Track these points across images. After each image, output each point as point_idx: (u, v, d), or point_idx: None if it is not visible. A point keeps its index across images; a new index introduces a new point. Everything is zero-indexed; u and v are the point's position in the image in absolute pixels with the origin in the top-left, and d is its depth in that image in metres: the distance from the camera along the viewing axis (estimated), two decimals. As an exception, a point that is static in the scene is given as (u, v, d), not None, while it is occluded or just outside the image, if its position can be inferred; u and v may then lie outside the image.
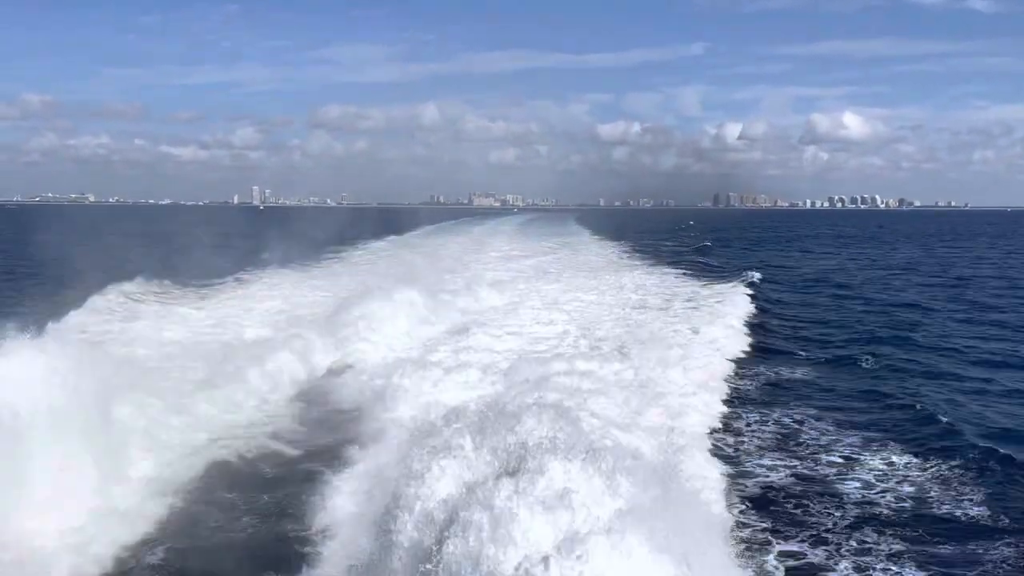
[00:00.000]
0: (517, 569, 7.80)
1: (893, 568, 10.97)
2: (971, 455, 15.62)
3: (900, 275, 55.99)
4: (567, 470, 9.09)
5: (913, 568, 10.97)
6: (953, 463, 15.16)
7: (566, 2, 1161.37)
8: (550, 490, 8.77)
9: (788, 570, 10.69)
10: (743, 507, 12.76)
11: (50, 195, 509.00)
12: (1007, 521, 12.62)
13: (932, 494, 13.71)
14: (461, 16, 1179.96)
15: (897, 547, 11.59)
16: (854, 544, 11.67)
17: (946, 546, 11.72)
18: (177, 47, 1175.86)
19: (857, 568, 10.98)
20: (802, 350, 26.70)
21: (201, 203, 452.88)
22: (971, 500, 13.48)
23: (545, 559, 7.77)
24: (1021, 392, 21.73)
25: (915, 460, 15.37)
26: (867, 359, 25.20)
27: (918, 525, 12.38)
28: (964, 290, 46.12)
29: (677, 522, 8.39)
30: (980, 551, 11.58)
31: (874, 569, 10.94)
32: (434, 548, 8.46)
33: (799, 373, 23.16)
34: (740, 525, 11.91)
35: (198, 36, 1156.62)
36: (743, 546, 10.89)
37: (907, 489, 13.91)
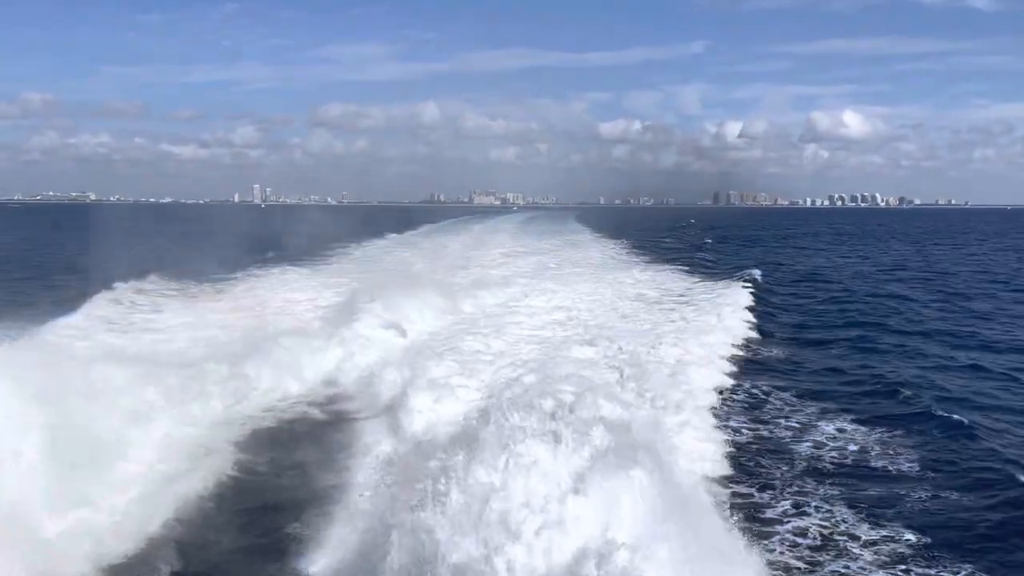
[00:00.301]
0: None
1: (825, 507, 13.07)
2: (917, 422, 17.82)
3: (888, 270, 58.00)
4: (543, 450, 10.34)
5: (842, 507, 13.06)
6: (898, 427, 17.33)
7: (566, 0, 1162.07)
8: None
9: (733, 505, 12.70)
10: (706, 461, 14.73)
11: (51, 194, 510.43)
12: (932, 473, 14.73)
13: (872, 452, 15.83)
14: (461, 14, 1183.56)
15: (832, 492, 13.70)
16: (795, 489, 13.81)
17: (873, 491, 13.84)
18: (177, 45, 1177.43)
19: (795, 505, 13.10)
20: (787, 335, 28.88)
21: (202, 201, 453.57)
22: (905, 457, 15.60)
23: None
24: (977, 367, 24.05)
25: (864, 427, 17.44)
26: (841, 342, 27.35)
27: (853, 476, 14.54)
28: (945, 283, 48.13)
29: (649, 477, 10.12)
30: (901, 494, 13.72)
31: (808, 506, 13.03)
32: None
33: (776, 352, 25.40)
34: (700, 474, 13.90)
35: (198, 35, 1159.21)
36: (699, 487, 12.88)
37: (851, 448, 16.03)
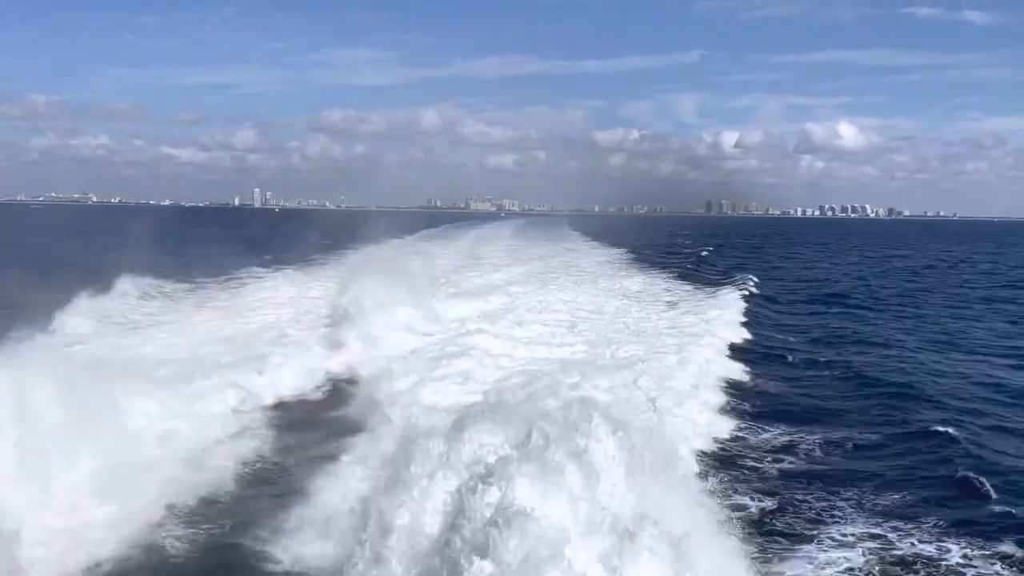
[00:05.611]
0: None
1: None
2: (876, 405, 20.50)
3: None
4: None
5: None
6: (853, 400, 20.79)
7: (563, 9, 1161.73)
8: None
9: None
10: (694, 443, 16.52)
11: (53, 195, 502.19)
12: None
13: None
14: (459, 21, 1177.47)
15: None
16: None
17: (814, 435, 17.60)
18: (176, 48, 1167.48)
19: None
20: (782, 342, 30.22)
21: (201, 204, 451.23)
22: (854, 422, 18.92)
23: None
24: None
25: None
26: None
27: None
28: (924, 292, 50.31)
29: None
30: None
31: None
32: None
33: (776, 359, 26.79)
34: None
35: (197, 37, 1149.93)
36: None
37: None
